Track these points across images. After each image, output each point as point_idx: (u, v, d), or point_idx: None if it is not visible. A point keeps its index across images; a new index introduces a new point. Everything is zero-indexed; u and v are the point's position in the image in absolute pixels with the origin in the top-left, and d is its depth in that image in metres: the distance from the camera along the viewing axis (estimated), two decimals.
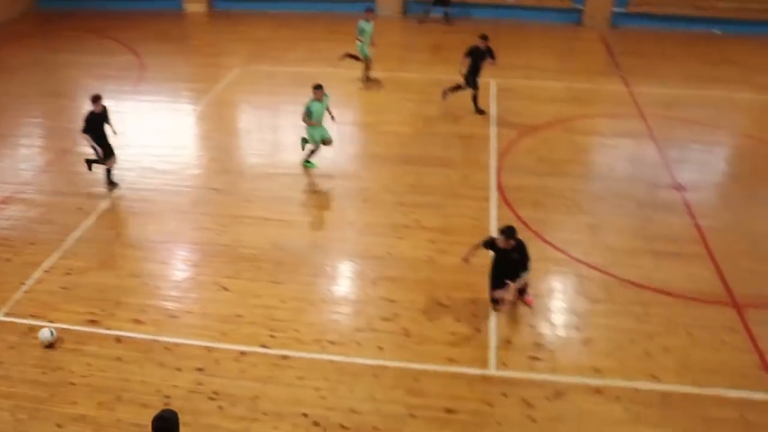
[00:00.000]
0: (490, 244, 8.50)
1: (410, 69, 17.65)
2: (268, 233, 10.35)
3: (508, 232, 8.21)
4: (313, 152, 12.23)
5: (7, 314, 8.93)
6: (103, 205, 11.36)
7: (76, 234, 10.56)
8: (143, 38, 20.18)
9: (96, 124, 11.17)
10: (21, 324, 8.75)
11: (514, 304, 8.81)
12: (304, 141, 12.15)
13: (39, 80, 17.20)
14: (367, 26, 15.66)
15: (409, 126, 14.04)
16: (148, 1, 22.64)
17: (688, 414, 7.49)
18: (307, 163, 12.31)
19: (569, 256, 9.96)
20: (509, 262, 8.41)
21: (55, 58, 18.88)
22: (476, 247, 8.61)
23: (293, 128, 13.71)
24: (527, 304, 8.90)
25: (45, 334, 8.30)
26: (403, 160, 12.54)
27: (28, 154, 13.54)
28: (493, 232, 10.29)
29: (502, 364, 7.94)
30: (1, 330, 8.69)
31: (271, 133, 14.04)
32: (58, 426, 7.34)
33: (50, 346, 8.22)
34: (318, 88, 11.65)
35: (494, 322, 8.56)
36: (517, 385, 7.68)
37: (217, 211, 11.03)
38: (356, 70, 16.58)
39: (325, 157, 12.56)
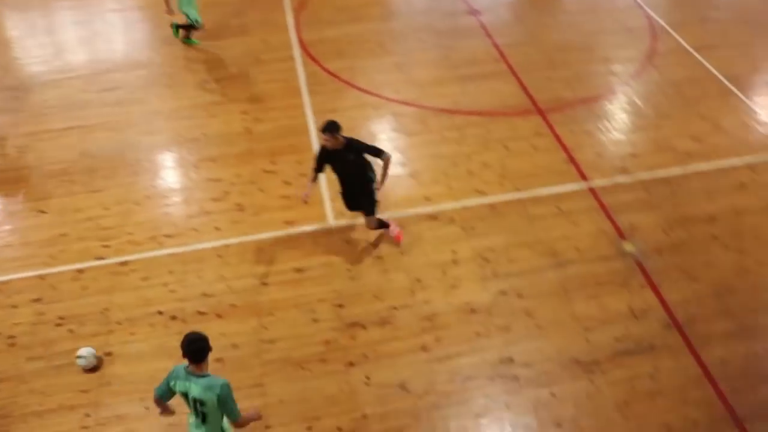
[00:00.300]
0: (320, 158, 7.18)
1: None
2: (72, 143, 9.68)
3: (327, 127, 6.92)
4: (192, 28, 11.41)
5: None
6: None
7: None
8: None
9: None
10: None
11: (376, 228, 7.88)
12: (177, 27, 11.51)
13: None
14: None
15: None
16: None
17: (514, 218, 8.31)
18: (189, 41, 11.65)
19: (383, 97, 10.22)
20: (351, 167, 7.20)
21: None
22: (312, 178, 7.35)
23: (72, 24, 12.55)
24: (395, 240, 7.93)
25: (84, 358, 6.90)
26: (197, 36, 11.92)
27: None
28: (304, 91, 10.29)
29: (339, 214, 8.24)
30: None
31: (48, 35, 12.72)
32: None
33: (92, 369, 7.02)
34: None
35: (323, 177, 8.74)
36: (357, 230, 8.06)
37: (9, 132, 10.08)
38: None
39: (114, 50, 11.71)
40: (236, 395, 4.95)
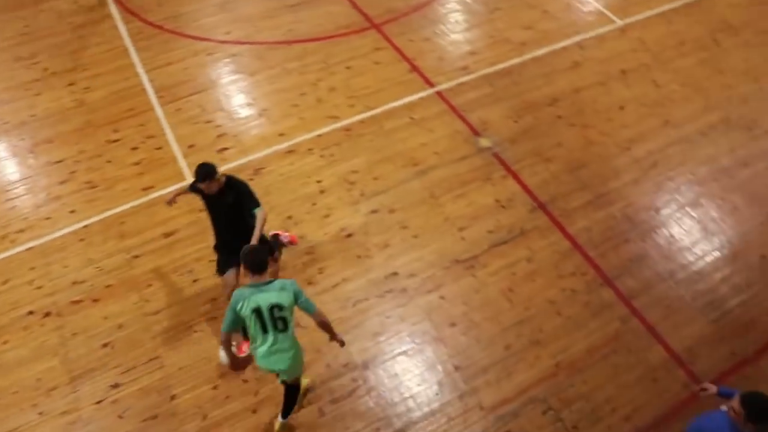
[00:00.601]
0: (195, 188, 6.05)
1: None
2: None
3: (203, 175, 5.70)
4: None
5: None
6: None
7: None
8: None
9: None
10: None
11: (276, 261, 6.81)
12: None
13: None
14: None
15: None
16: None
17: (370, 136, 8.42)
18: None
19: (214, 40, 9.83)
20: (228, 210, 5.99)
21: None
22: (182, 191, 6.43)
23: None
24: (292, 243, 7.23)
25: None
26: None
27: None
28: (131, 50, 9.71)
29: (188, 166, 8.00)
30: None
31: None
32: None
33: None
34: None
35: (171, 135, 8.43)
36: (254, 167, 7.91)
37: None
38: None
39: None
40: (135, 375, 4.84)
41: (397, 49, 9.59)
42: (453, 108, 8.72)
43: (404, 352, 6.50)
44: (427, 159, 8.12)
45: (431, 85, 9.02)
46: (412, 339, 6.59)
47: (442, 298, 6.87)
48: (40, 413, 6.12)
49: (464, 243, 7.32)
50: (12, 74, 9.48)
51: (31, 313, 6.89)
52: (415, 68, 9.27)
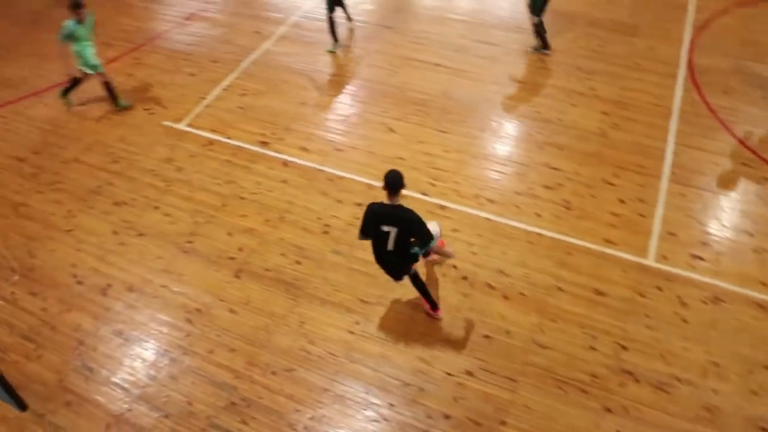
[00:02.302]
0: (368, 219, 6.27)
1: None
2: (438, 79, 10.18)
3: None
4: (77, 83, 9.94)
5: (189, 125, 9.56)
6: (280, 31, 11.52)
7: (253, 56, 10.90)
8: None
9: None
10: (201, 136, 9.35)
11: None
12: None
13: None
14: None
15: None
16: None
17: None
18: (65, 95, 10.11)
19: (759, 156, 9.10)
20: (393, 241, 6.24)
21: None
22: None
23: None
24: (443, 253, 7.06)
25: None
26: (587, 21, 11.65)
27: None
28: (675, 115, 9.58)
29: (662, 256, 7.64)
30: (183, 139, 9.35)
31: None
32: (229, 234, 7.98)
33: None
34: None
35: (661, 211, 8.17)
36: (674, 281, 7.41)
37: (389, 50, 10.92)
38: None
39: (501, 7, 11.93)
40: (489, 379, 4.88)
41: None
42: None
43: None
44: None
45: None
46: None
47: None
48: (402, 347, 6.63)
49: None
50: (566, 77, 10.16)
51: (455, 267, 7.46)
52: None
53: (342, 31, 11.36)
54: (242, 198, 8.42)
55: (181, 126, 9.59)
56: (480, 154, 8.91)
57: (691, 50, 11.07)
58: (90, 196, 8.65)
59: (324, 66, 10.63)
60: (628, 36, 11.30)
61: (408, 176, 8.42)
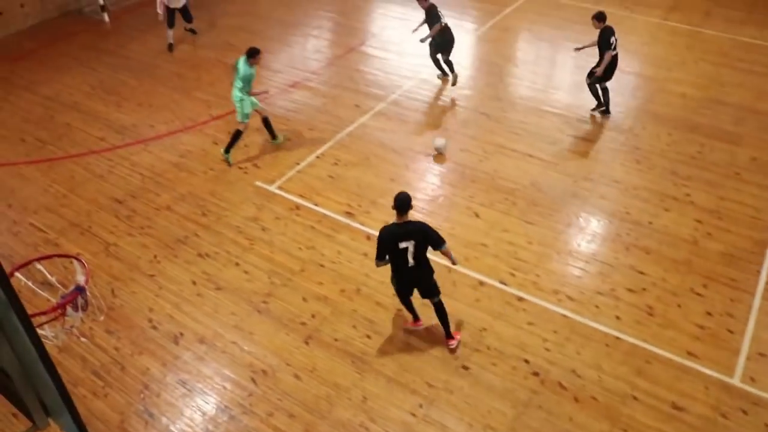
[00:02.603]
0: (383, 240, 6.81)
1: (715, 26, 15.73)
2: (528, 170, 10.17)
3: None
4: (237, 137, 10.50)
5: (279, 188, 9.88)
6: (379, 106, 11.88)
7: (349, 128, 11.26)
8: None
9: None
10: (289, 199, 9.63)
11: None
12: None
13: None
14: None
15: (701, 90, 12.67)
16: None
17: None
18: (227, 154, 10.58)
19: None
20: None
21: None
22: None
23: (570, 67, 13.16)
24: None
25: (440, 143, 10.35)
26: (687, 126, 11.43)
27: (319, 46, 14.47)
28: None
29: (750, 378, 7.15)
30: (271, 200, 9.65)
31: (547, 67, 13.58)
32: (303, 299, 8.06)
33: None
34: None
35: (752, 329, 7.71)
36: (762, 406, 6.90)
37: (483, 136, 11.04)
38: (656, 14, 15.32)
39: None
40: None
41: None
42: None
43: None
44: None
45: None
46: None
47: None
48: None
49: None
50: (661, 181, 9.95)
51: (526, 361, 7.25)
52: None
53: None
54: (321, 265, 8.51)
55: (272, 188, 9.89)
56: (564, 249, 8.74)
57: None
58: (176, 244, 8.96)
59: (417, 145, 10.82)
60: (730, 144, 11.00)
61: (488, 264, 8.47)
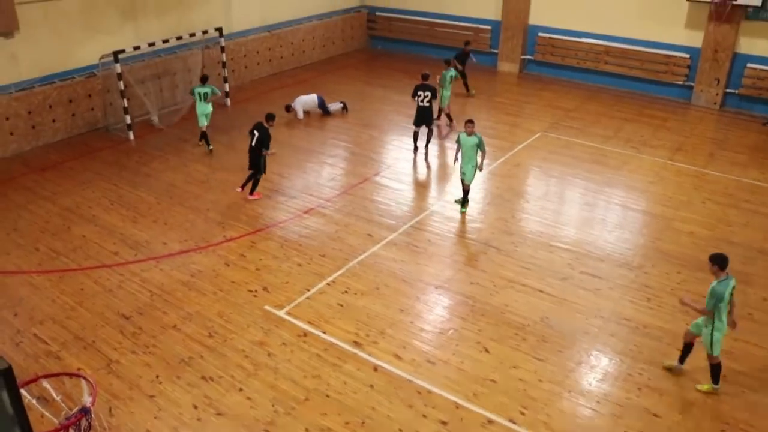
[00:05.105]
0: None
1: (719, 167, 16.06)
2: (539, 305, 10.12)
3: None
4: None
5: (288, 313, 9.84)
6: (391, 237, 12.04)
7: (361, 257, 11.35)
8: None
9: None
10: (297, 326, 9.57)
11: None
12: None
13: (353, 108, 18.91)
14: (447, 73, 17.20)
15: (708, 229, 12.79)
16: None
17: None
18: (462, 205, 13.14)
19: None
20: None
21: (371, 90, 20.71)
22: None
23: (580, 205, 13.40)
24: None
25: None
26: (696, 264, 11.44)
27: (333, 174, 14.88)
28: None
29: None
30: (279, 325, 9.60)
31: (557, 204, 13.81)
32: (306, 430, 7.79)
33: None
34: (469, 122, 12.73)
35: None
36: None
37: (493, 269, 11.08)
38: (662, 155, 15.76)
39: (607, 241, 12.04)
40: None
41: None
42: None
43: None
44: None
45: None
46: None
47: None
48: None
49: None
50: (673, 321, 9.84)
51: None
52: None
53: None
54: (327, 396, 8.32)
55: (280, 313, 9.85)
56: (575, 388, 8.53)
57: None
58: (180, 365, 8.82)
59: (427, 277, 10.86)
60: (741, 284, 10.75)
61: (497, 400, 8.26)
